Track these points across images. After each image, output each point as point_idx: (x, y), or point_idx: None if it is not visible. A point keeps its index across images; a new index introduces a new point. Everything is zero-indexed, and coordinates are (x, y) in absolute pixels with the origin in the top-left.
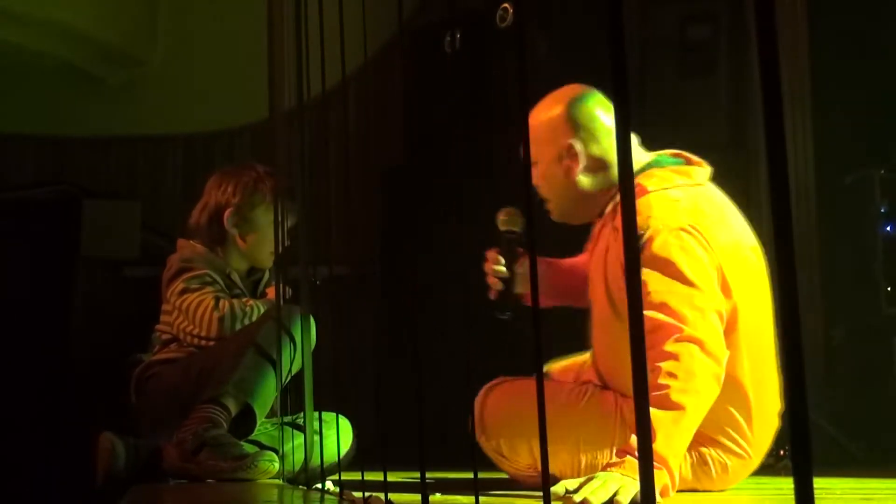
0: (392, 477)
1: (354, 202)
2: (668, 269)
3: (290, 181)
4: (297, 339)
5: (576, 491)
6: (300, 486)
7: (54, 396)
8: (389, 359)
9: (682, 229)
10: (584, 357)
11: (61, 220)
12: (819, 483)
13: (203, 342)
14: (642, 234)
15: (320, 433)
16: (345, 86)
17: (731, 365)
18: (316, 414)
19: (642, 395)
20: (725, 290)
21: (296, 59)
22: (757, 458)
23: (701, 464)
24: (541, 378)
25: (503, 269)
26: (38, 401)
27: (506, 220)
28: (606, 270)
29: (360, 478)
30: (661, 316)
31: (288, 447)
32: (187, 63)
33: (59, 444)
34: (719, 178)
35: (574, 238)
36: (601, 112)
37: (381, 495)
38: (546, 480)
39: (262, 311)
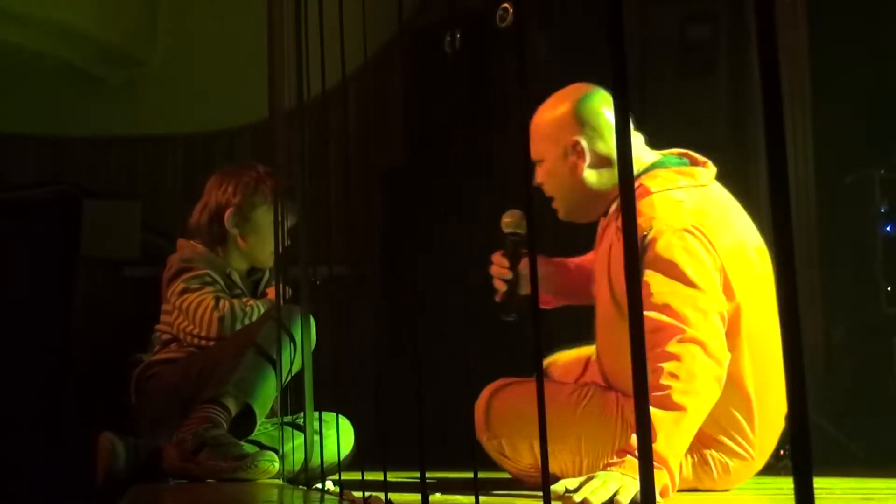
0: (392, 477)
1: (354, 202)
2: (671, 270)
3: (290, 181)
4: (297, 339)
5: (576, 490)
6: (300, 486)
7: (54, 396)
8: (389, 359)
9: (686, 230)
10: (591, 350)
11: (61, 220)
12: (819, 483)
13: (203, 342)
14: (645, 235)
15: (320, 433)
16: (345, 86)
17: (733, 366)
18: (316, 414)
19: (642, 395)
20: (728, 291)
21: (296, 59)
22: (761, 460)
23: (702, 464)
24: (541, 378)
25: (508, 271)
26: (38, 401)
27: (510, 222)
28: (610, 269)
29: (360, 478)
30: (663, 317)
31: (288, 447)
32: (187, 63)
33: (59, 444)
34: (719, 178)
35: (582, 237)
36: (607, 110)
37: (381, 495)
38: (546, 481)
39: (263, 311)
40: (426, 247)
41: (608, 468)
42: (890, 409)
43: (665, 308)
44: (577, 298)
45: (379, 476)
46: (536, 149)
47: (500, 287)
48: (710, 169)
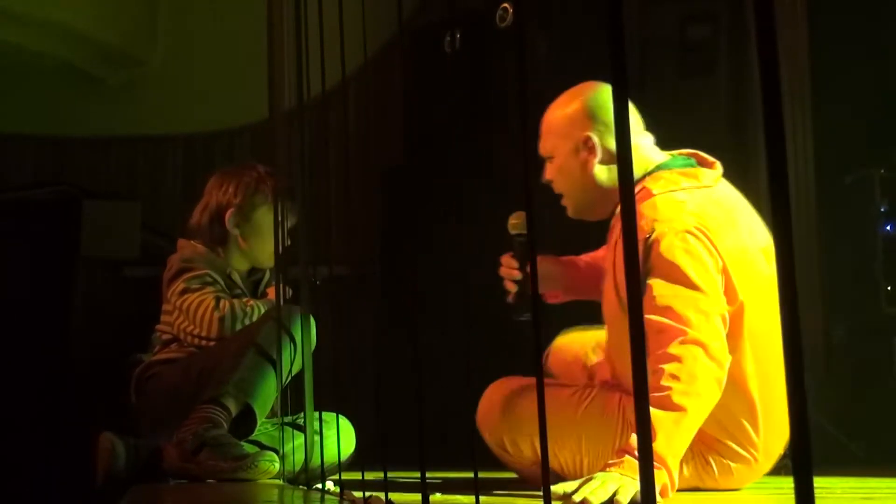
0: (392, 477)
1: (354, 202)
2: (673, 272)
3: (290, 181)
4: (297, 339)
5: (574, 492)
6: (300, 487)
7: (54, 396)
8: (389, 359)
9: (688, 231)
10: (592, 335)
11: (61, 220)
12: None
13: (203, 342)
14: (648, 237)
15: (321, 433)
16: (345, 86)
17: (736, 368)
18: (316, 414)
19: (642, 395)
20: (731, 293)
21: (296, 59)
22: (767, 462)
23: (703, 465)
24: (541, 378)
25: (517, 272)
26: (38, 401)
27: (517, 223)
28: (615, 268)
29: (360, 478)
30: (665, 320)
31: (288, 447)
32: (187, 63)
33: (59, 444)
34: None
35: (592, 235)
36: None
37: (382, 495)
38: (546, 481)
39: (263, 311)
40: (426, 247)
41: (607, 468)
42: (890, 408)
43: (667, 310)
44: (587, 295)
45: (379, 476)
46: (547, 145)
47: (511, 288)
48: (717, 170)
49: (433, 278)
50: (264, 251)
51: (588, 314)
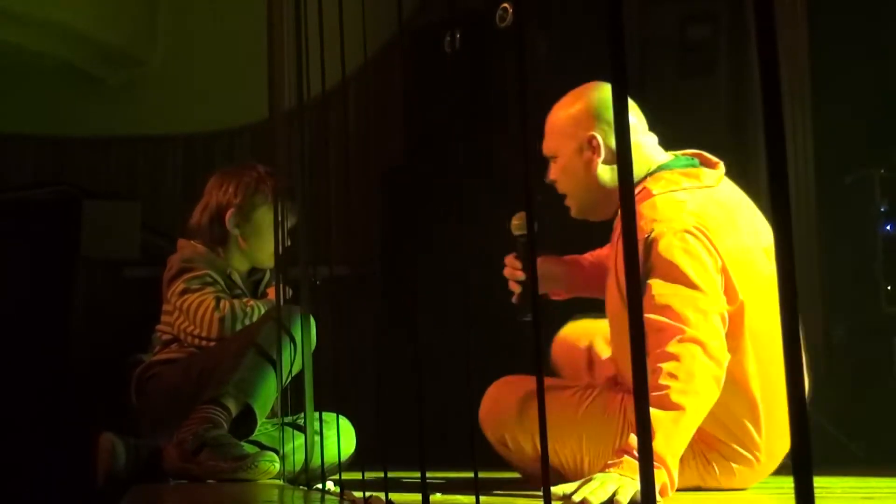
0: (392, 476)
1: (354, 202)
2: (672, 272)
3: (290, 181)
4: (298, 339)
5: (574, 492)
6: (301, 487)
7: (54, 396)
8: (389, 359)
9: (687, 231)
10: (602, 328)
11: (61, 220)
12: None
13: (204, 342)
14: (647, 237)
15: (321, 433)
16: (345, 86)
17: (737, 368)
18: (316, 414)
19: (642, 395)
20: (731, 292)
21: (296, 59)
22: (770, 463)
23: (705, 465)
24: (541, 378)
25: (521, 273)
26: (38, 401)
27: (520, 224)
28: (617, 267)
29: (360, 478)
30: (663, 318)
31: (288, 447)
32: (187, 63)
33: (59, 445)
34: None
35: (596, 234)
36: None
37: (382, 495)
38: (546, 482)
39: (263, 311)
40: (426, 247)
41: (606, 469)
42: (890, 408)
43: (666, 309)
44: (592, 293)
45: (379, 476)
46: (550, 145)
47: (515, 289)
48: (719, 170)
49: (433, 278)
50: (264, 251)
51: (594, 307)
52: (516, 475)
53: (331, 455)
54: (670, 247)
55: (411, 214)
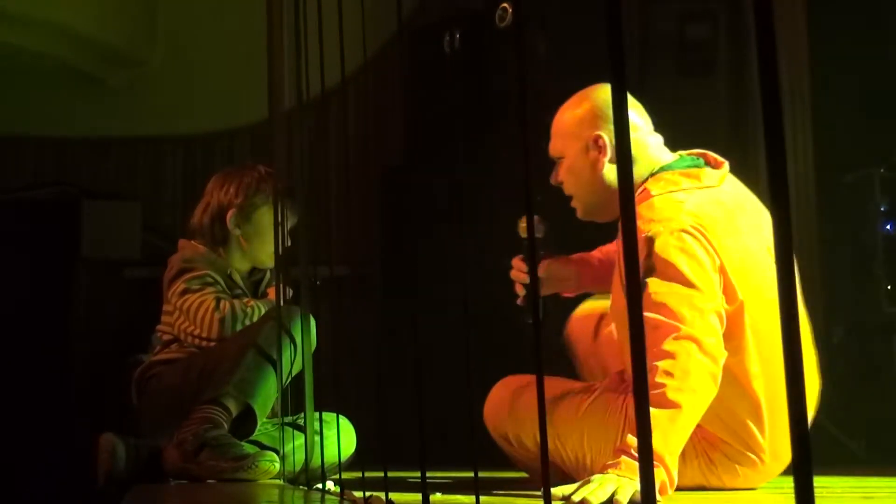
0: (393, 476)
1: (354, 202)
2: (668, 270)
3: (290, 181)
4: (298, 339)
5: (573, 493)
6: (301, 487)
7: (54, 396)
8: (389, 359)
9: (684, 230)
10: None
11: (61, 220)
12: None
13: (204, 343)
14: (645, 237)
15: (321, 433)
16: (344, 86)
17: (739, 369)
18: (316, 414)
19: (642, 395)
20: (730, 292)
21: (295, 59)
22: (775, 464)
23: (708, 463)
24: (541, 378)
25: (527, 275)
26: (38, 401)
27: (526, 227)
28: (619, 266)
29: (360, 477)
30: (659, 316)
31: (288, 447)
32: (187, 63)
33: (59, 445)
34: None
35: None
36: (630, 108)
37: (382, 495)
38: (546, 483)
39: (263, 311)
40: (426, 247)
41: (605, 470)
42: (890, 408)
43: (662, 307)
44: (601, 289)
45: (379, 475)
46: (557, 145)
47: (521, 291)
48: (723, 170)
49: (434, 278)
50: (265, 251)
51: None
52: (516, 475)
53: (331, 455)
54: (667, 246)
55: (411, 214)
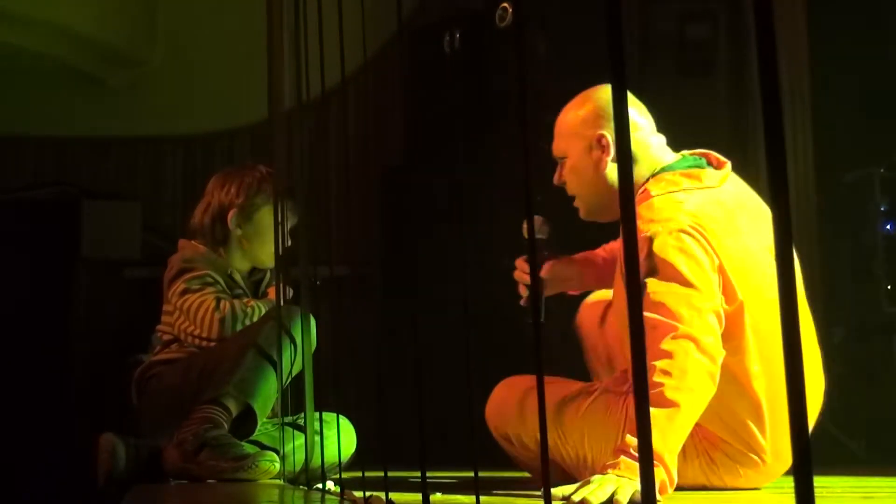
0: (393, 476)
1: (354, 202)
2: (667, 270)
3: (290, 181)
4: (298, 339)
5: (573, 493)
6: (301, 487)
7: (54, 396)
8: (390, 359)
9: (682, 230)
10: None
11: (61, 220)
12: (819, 482)
13: (204, 343)
14: (643, 237)
15: (321, 433)
16: (344, 86)
17: (739, 369)
18: (316, 414)
19: (642, 395)
20: (730, 292)
21: (295, 59)
22: (777, 464)
23: (709, 463)
24: (541, 378)
25: (529, 277)
26: (38, 401)
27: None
28: (620, 267)
29: (360, 477)
30: (657, 316)
31: (289, 447)
32: (187, 63)
33: (59, 445)
34: None
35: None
36: (633, 108)
37: (382, 495)
38: (546, 483)
39: (264, 311)
40: (426, 247)
41: (605, 470)
42: (890, 408)
43: (660, 307)
44: (605, 286)
45: (379, 475)
46: (560, 145)
47: (524, 292)
48: (724, 170)
49: (434, 278)
50: (265, 251)
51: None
52: (517, 475)
53: (331, 455)
54: (665, 245)
55: (411, 214)
